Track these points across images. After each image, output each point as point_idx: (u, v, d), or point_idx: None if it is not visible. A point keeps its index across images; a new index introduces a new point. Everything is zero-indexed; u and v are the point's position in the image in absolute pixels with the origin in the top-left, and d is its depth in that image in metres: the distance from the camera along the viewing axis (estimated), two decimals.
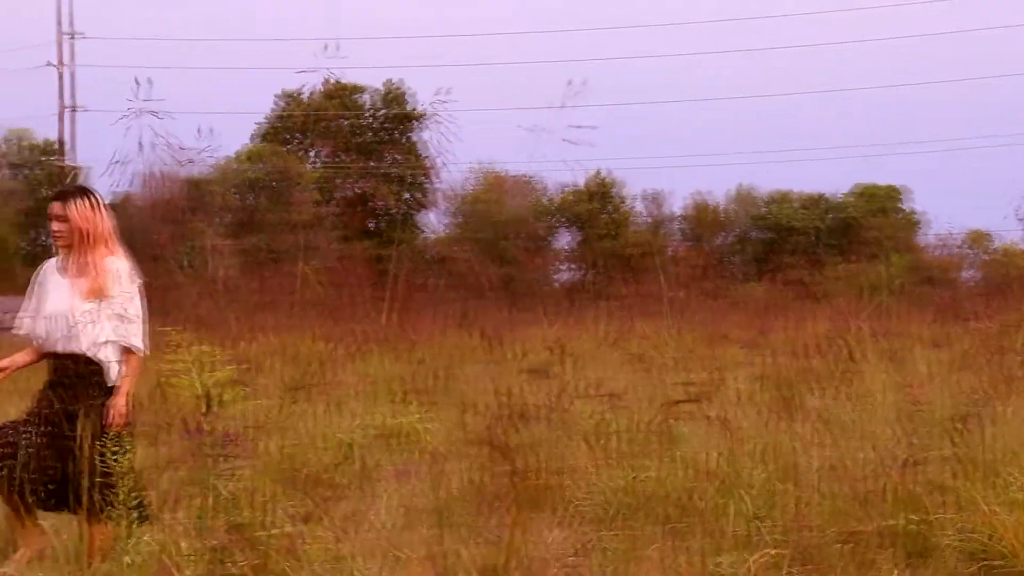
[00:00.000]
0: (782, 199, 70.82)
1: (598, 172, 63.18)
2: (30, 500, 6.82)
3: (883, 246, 56.38)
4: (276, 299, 12.44)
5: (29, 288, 7.40)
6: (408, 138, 69.35)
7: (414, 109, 69.13)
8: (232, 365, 6.68)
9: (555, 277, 56.76)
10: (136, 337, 7.16)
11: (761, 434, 8.67)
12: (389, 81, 69.73)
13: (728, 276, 42.51)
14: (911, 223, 69.50)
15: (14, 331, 7.45)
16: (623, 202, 69.67)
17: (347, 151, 67.96)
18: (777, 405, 8.75)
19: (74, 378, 7.08)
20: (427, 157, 62.86)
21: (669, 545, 7.12)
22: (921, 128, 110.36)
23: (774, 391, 8.90)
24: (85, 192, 7.37)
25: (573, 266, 60.59)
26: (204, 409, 5.93)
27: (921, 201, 69.42)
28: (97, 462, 6.95)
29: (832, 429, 9.05)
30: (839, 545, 6.81)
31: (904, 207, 69.60)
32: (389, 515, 8.03)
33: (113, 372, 7.15)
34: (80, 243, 7.20)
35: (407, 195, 68.92)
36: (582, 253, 59.89)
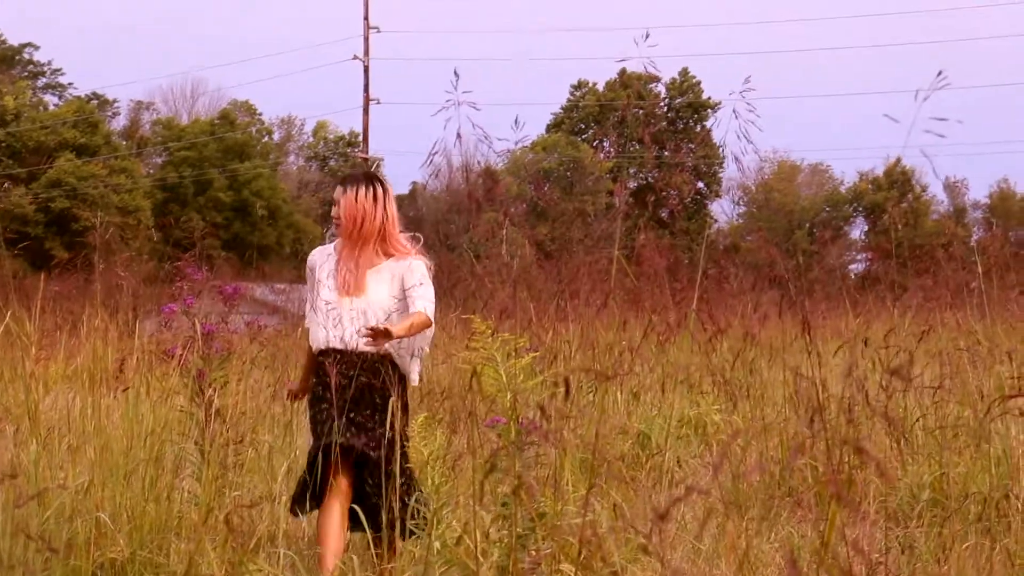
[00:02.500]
0: None
1: (897, 160, 61.77)
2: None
3: None
4: (574, 287, 12.47)
5: (310, 281, 6.92)
6: (702, 127, 69.10)
7: (709, 98, 68.88)
8: (533, 353, 6.71)
9: (851, 267, 55.61)
10: (428, 341, 6.86)
11: None
12: (683, 70, 69.70)
13: None
14: None
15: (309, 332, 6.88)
16: (923, 190, 68.09)
17: (639, 140, 68.03)
18: None
19: (376, 381, 6.62)
20: (721, 146, 62.40)
21: (981, 545, 6.89)
22: None
23: None
24: (371, 180, 6.86)
25: (869, 255, 59.34)
26: (508, 396, 5.97)
27: None
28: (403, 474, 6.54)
29: None
30: None
31: None
32: (689, 507, 7.98)
33: (414, 373, 6.84)
34: (376, 235, 6.77)
35: (700, 184, 68.66)
36: (878, 242, 58.60)
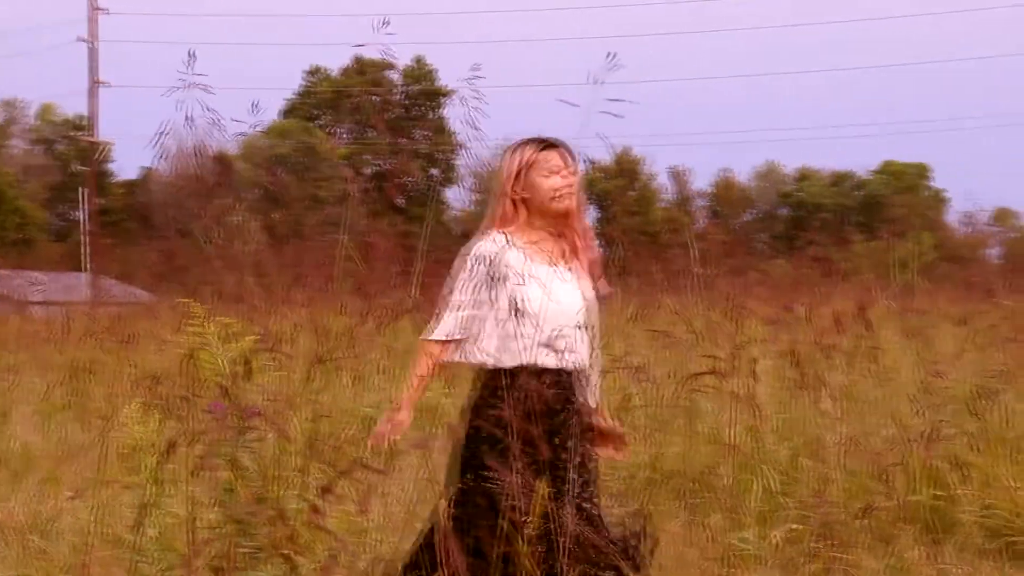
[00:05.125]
0: (809, 177, 70.72)
1: (625, 149, 63.24)
2: None
3: (910, 224, 56.36)
4: (303, 273, 12.44)
5: (467, 278, 5.09)
6: (436, 115, 69.43)
7: (444, 86, 69.20)
8: (255, 337, 6.67)
9: None
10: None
11: (785, 410, 8.66)
12: (418, 58, 69.87)
13: (754, 253, 42.49)
14: (937, 201, 69.40)
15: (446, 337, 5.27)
16: (650, 179, 69.83)
17: (375, 127, 67.97)
18: (801, 381, 8.73)
19: (575, 402, 5.12)
20: (454, 134, 62.84)
21: (690, 520, 7.13)
22: (945, 107, 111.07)
23: (798, 367, 8.88)
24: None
25: (599, 243, 60.47)
26: (227, 381, 5.92)
27: (944, 180, 69.96)
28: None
29: (856, 405, 9.03)
30: (861, 520, 6.81)
31: (930, 185, 69.59)
32: (410, 488, 8.05)
33: (596, 387, 5.29)
34: (576, 210, 5.18)
35: (434, 171, 69.01)
36: (607, 230, 59.83)
